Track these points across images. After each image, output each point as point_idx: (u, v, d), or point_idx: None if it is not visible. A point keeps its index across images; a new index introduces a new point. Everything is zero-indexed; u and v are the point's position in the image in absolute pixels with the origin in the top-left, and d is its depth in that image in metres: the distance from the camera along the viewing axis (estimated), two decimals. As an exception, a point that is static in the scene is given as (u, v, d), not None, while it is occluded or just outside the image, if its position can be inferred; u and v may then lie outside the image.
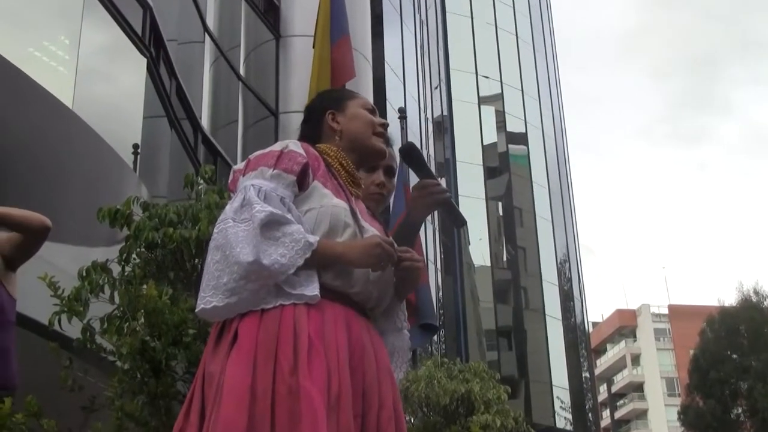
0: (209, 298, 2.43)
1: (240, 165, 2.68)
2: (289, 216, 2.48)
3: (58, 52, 9.96)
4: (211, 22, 15.60)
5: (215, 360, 2.45)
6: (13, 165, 7.53)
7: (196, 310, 2.49)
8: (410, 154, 3.05)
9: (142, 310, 4.27)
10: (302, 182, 2.60)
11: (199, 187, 5.30)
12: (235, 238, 2.41)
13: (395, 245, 2.62)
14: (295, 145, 2.66)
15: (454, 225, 3.07)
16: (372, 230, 2.70)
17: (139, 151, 10.79)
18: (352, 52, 7.87)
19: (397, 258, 2.62)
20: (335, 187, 2.68)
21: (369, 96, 17.74)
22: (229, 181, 2.70)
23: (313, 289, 2.46)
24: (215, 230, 2.50)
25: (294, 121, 15.88)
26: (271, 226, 2.43)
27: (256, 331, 2.39)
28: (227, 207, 2.54)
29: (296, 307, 2.43)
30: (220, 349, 2.45)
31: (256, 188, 2.52)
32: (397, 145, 3.23)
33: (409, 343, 2.96)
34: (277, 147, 2.66)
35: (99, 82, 10.62)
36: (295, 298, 2.44)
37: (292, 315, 2.42)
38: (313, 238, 2.48)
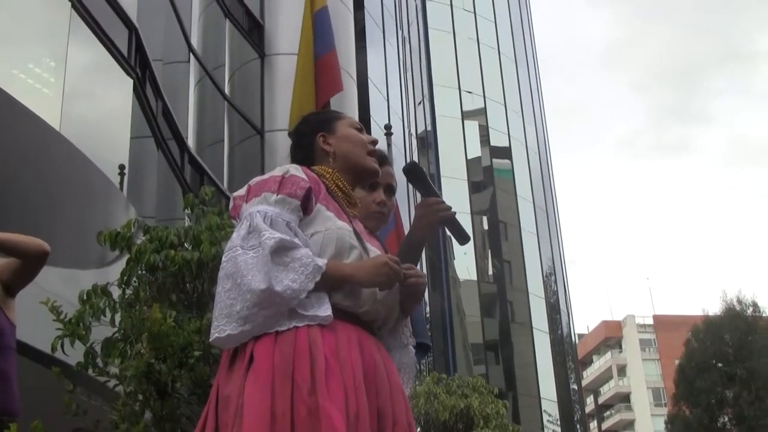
0: (223, 327, 2.43)
1: (240, 191, 2.68)
2: (296, 240, 2.49)
3: (43, 74, 9.94)
4: (195, 41, 15.61)
5: (230, 383, 2.44)
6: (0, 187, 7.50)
7: (210, 340, 2.48)
8: (413, 172, 3.06)
9: (146, 333, 4.25)
10: (306, 206, 2.61)
11: (198, 209, 5.28)
12: (245, 265, 2.42)
13: (400, 263, 2.63)
14: (296, 170, 2.67)
15: (458, 241, 3.08)
16: (374, 250, 2.71)
17: (126, 171, 10.77)
18: (339, 66, 7.80)
19: (403, 275, 2.64)
20: (336, 209, 2.69)
21: (354, 112, 17.77)
22: (230, 208, 2.70)
23: (325, 310, 2.47)
24: (224, 258, 2.50)
25: (280, 139, 15.89)
26: (279, 252, 2.43)
27: (272, 353, 2.39)
28: (234, 235, 2.54)
29: (310, 329, 2.44)
30: (234, 372, 2.45)
31: (261, 214, 2.52)
32: (394, 163, 3.24)
33: (414, 359, 3.00)
34: (278, 172, 2.66)
35: (85, 103, 10.60)
36: (309, 320, 2.44)
37: (307, 336, 2.42)
38: (322, 261, 2.49)
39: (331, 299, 2.52)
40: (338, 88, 7.54)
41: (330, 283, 2.51)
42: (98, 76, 10.93)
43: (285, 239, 2.45)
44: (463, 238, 3.07)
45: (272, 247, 2.41)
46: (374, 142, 2.93)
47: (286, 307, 2.41)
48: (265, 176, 2.67)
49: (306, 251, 2.47)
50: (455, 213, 3.07)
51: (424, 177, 3.07)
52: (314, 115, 3.18)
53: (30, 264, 4.02)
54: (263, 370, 2.37)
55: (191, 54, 15.27)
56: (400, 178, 3.21)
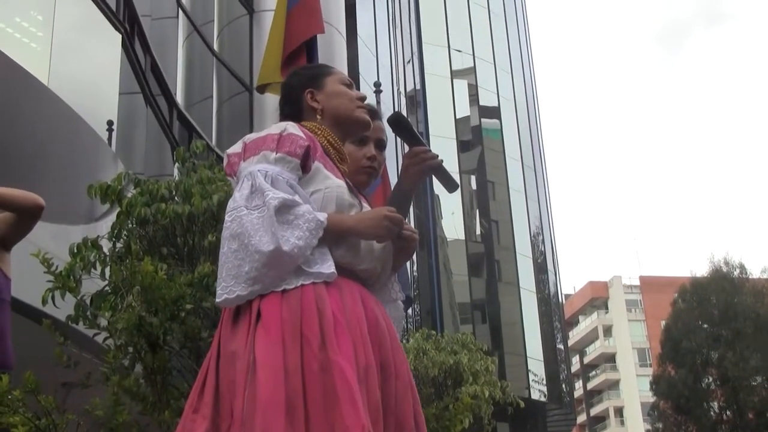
0: (232, 288, 2.44)
1: (235, 148, 2.68)
2: (297, 198, 2.49)
3: (31, 28, 9.86)
4: (184, -3, 15.49)
5: (235, 339, 2.46)
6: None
7: (217, 300, 2.48)
8: (399, 123, 3.06)
9: (138, 286, 4.26)
10: (304, 164, 2.61)
11: (189, 163, 5.27)
12: (251, 226, 2.43)
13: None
14: (293, 128, 2.66)
15: (447, 189, 3.08)
16: (368, 207, 2.74)
17: (114, 127, 10.74)
18: (320, 9, 7.36)
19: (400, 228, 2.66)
20: (332, 166, 2.70)
21: (343, 69, 17.63)
22: (225, 165, 2.70)
23: (329, 267, 2.50)
24: (228, 218, 2.50)
25: (268, 96, 15.77)
26: (282, 210, 2.45)
27: (280, 310, 2.42)
28: (236, 194, 2.54)
29: (316, 285, 2.46)
30: (239, 329, 2.46)
31: (262, 173, 2.52)
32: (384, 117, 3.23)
33: (403, 313, 3.03)
34: (275, 130, 2.65)
35: (74, 58, 10.52)
36: (314, 277, 2.47)
37: (313, 293, 2.45)
38: (323, 216, 2.50)
39: (332, 256, 2.54)
40: (316, 29, 7.10)
41: (332, 236, 2.53)
42: (87, 30, 10.86)
43: (288, 198, 2.46)
44: (451, 186, 3.08)
45: (276, 206, 2.43)
46: (363, 98, 2.92)
47: (293, 265, 2.44)
48: (262, 133, 2.66)
49: (307, 207, 2.49)
50: (442, 161, 3.07)
51: (409, 127, 3.07)
52: (304, 69, 3.14)
53: (25, 218, 4.05)
54: (273, 326, 2.39)
55: (180, 9, 15.18)
56: (390, 134, 3.21)
